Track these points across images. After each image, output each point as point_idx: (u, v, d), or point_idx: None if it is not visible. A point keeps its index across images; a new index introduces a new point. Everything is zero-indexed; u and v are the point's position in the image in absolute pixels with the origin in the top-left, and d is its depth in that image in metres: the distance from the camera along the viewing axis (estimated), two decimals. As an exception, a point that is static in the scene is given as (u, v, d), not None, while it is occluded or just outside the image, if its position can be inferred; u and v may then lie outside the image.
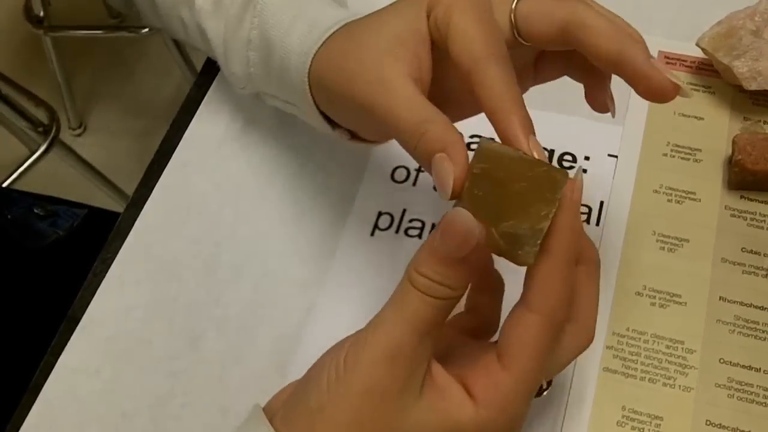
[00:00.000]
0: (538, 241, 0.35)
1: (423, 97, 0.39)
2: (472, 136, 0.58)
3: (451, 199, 0.36)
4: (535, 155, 0.36)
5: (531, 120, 0.37)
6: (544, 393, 0.41)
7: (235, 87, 0.57)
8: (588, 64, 0.41)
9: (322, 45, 0.45)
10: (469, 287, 0.38)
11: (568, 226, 0.35)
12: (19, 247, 0.77)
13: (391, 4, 0.43)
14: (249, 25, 0.50)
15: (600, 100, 0.44)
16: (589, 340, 0.39)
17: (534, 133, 0.37)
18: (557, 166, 0.36)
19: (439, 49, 0.41)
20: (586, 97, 0.45)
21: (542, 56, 0.46)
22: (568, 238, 0.36)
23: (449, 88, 0.43)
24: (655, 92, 0.38)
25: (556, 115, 0.58)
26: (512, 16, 0.41)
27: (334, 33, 0.45)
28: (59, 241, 0.79)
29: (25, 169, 1.26)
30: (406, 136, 0.38)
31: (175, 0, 0.56)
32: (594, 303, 0.39)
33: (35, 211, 0.79)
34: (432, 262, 0.35)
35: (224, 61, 0.54)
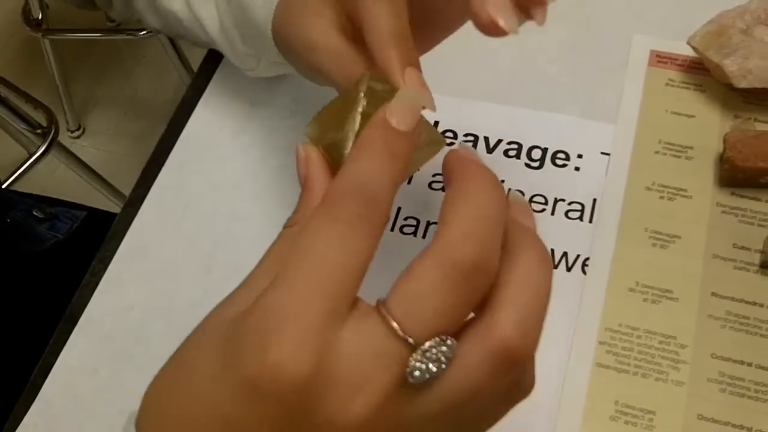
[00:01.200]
0: (349, 145, 0.34)
1: (346, 49, 0.39)
2: (466, 135, 0.58)
3: None
4: (407, 83, 0.34)
5: (413, 53, 0.35)
6: (425, 368, 0.27)
7: (245, 71, 0.57)
8: None
9: (274, 12, 0.45)
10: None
11: (372, 125, 0.31)
12: (18, 250, 0.77)
13: None
14: (235, 4, 0.51)
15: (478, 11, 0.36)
16: (456, 254, 0.28)
17: (415, 66, 0.35)
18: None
19: None
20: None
21: None
22: (371, 133, 0.31)
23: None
24: (482, 27, 0.35)
25: (549, 114, 0.59)
26: None
27: None
28: (58, 243, 0.80)
29: (24, 171, 1.26)
30: (339, 85, 0.39)
31: None
32: (462, 215, 0.29)
33: (34, 213, 0.79)
34: None
35: (228, 46, 0.55)
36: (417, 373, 0.27)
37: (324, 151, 0.35)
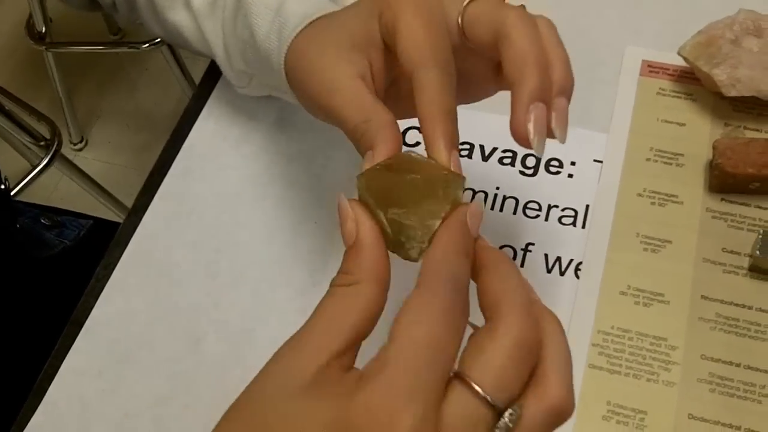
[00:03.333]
0: (427, 239, 0.35)
1: (369, 96, 0.40)
2: (462, 143, 0.60)
3: None
4: (451, 168, 0.37)
5: (456, 135, 0.38)
6: (508, 425, 0.31)
7: (237, 87, 0.59)
8: None
9: (289, 45, 0.46)
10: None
11: (459, 227, 0.35)
12: (27, 255, 0.79)
13: (353, 3, 0.44)
14: (241, 26, 0.52)
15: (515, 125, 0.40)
16: (524, 332, 0.33)
17: (457, 149, 0.38)
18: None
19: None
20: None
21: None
22: (457, 236, 0.35)
23: (407, 88, 0.44)
24: (513, 135, 0.39)
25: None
26: (460, 18, 0.41)
27: (301, 31, 0.46)
28: (66, 250, 0.81)
29: (27, 183, 1.27)
30: (351, 135, 0.40)
31: (172, 1, 0.58)
32: (512, 296, 0.34)
33: (42, 221, 0.81)
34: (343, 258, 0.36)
35: (226, 61, 0.56)
36: (501, 429, 0.31)
37: (380, 216, 0.35)
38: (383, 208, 0.35)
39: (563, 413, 0.33)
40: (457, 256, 0.35)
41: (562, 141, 0.40)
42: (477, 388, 0.31)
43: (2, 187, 0.79)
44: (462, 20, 0.41)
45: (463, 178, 0.37)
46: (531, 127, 0.38)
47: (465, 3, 0.41)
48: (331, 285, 0.35)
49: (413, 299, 0.33)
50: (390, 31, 0.40)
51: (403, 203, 0.35)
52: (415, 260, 0.36)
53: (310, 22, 0.46)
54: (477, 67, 0.43)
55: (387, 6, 0.41)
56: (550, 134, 0.40)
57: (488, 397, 0.31)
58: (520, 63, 0.39)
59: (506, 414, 0.31)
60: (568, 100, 0.41)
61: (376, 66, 0.42)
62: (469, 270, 0.35)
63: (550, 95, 0.40)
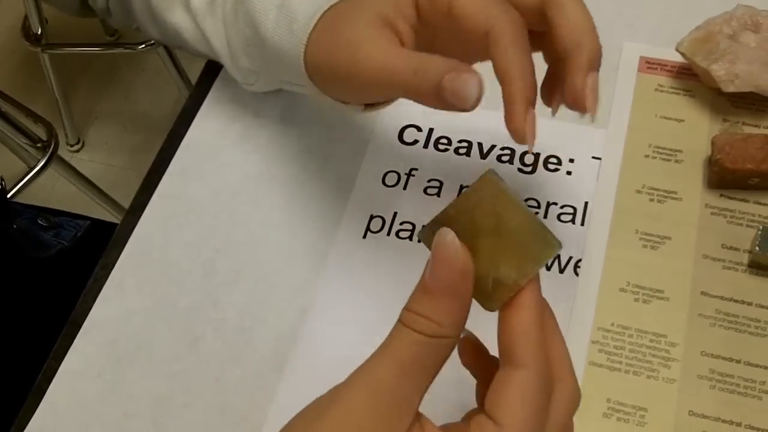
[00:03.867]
0: (511, 294, 0.35)
1: (412, 51, 0.41)
2: (460, 141, 0.59)
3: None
4: (528, 130, 0.39)
5: (534, 90, 0.40)
6: None
7: (244, 85, 0.58)
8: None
9: (309, 36, 0.46)
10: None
11: (538, 283, 0.36)
12: (25, 256, 0.78)
13: None
14: (243, 22, 0.52)
15: (573, 92, 0.42)
16: (578, 398, 0.37)
17: (533, 106, 0.39)
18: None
19: (425, 20, 0.43)
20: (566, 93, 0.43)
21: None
22: (539, 296, 0.35)
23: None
24: (571, 101, 0.42)
25: (541, 119, 0.60)
26: None
27: (317, 23, 0.46)
28: (63, 250, 0.81)
29: (24, 185, 1.27)
30: (408, 79, 0.40)
31: (170, 2, 0.58)
32: (568, 360, 0.38)
33: (39, 222, 0.80)
34: (420, 296, 0.34)
35: (229, 59, 0.56)
36: None
37: (486, 271, 0.35)
38: (493, 264, 0.34)
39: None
40: (543, 333, 0.35)
41: (595, 114, 0.42)
42: None
43: None
44: None
45: (560, 244, 0.36)
46: (591, 94, 0.41)
47: None
48: (414, 328, 0.33)
49: (516, 380, 0.34)
50: (436, 1, 0.41)
51: (506, 260, 0.34)
52: (493, 311, 0.35)
53: (323, 13, 0.46)
54: (454, 46, 0.43)
55: None
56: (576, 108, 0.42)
57: None
58: (579, 31, 0.41)
59: None
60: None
61: (406, 37, 0.43)
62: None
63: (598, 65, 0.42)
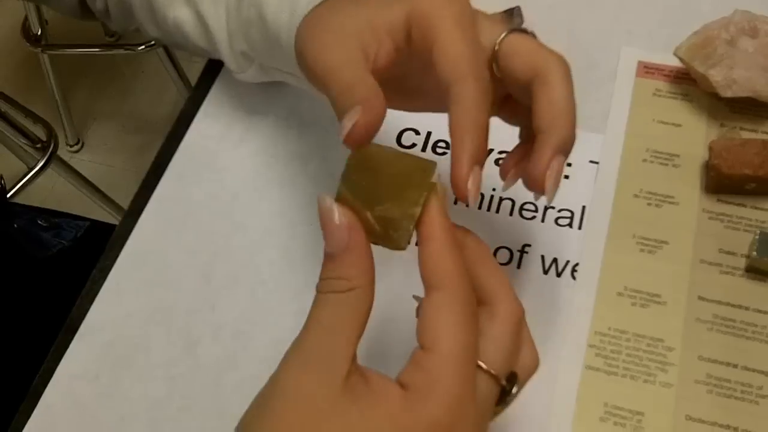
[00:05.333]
0: (411, 226, 0.37)
1: (364, 69, 0.40)
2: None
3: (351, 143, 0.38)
4: (469, 187, 0.38)
5: (484, 151, 0.39)
6: (513, 393, 0.38)
7: (235, 74, 0.58)
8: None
9: (302, 19, 0.46)
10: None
11: (440, 210, 0.37)
12: (25, 255, 0.78)
13: None
14: (247, 5, 0.52)
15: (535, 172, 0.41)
16: (519, 313, 0.39)
17: (480, 165, 0.38)
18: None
19: (408, 50, 0.42)
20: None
21: (508, 100, 0.46)
22: (442, 221, 0.37)
23: (410, 84, 0.45)
24: (531, 180, 0.41)
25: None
26: (497, 47, 0.42)
27: (315, 7, 0.45)
28: (63, 251, 0.81)
29: (23, 185, 1.27)
30: (335, 98, 0.40)
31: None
32: (504, 280, 0.39)
33: (39, 222, 0.80)
34: (326, 264, 0.36)
35: (226, 42, 0.56)
36: (509, 398, 0.38)
37: (366, 215, 0.37)
38: (369, 207, 0.37)
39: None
40: (454, 249, 0.37)
41: (550, 202, 0.41)
42: (492, 371, 0.36)
43: None
44: (499, 48, 0.42)
45: (434, 163, 0.38)
46: (551, 178, 0.40)
47: (505, 32, 0.42)
48: (327, 291, 0.36)
49: (440, 304, 0.36)
50: (424, 38, 0.40)
51: (385, 198, 0.37)
52: (403, 249, 0.37)
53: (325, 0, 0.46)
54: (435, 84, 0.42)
55: (422, 13, 0.40)
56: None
57: (500, 377, 0.37)
58: (557, 113, 0.40)
59: (513, 388, 0.37)
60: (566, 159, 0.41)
61: (383, 55, 0.42)
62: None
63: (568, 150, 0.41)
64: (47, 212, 0.86)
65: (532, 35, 0.43)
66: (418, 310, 0.39)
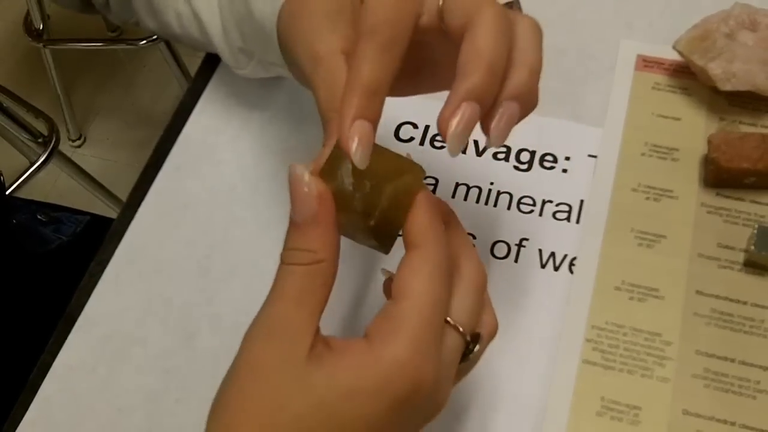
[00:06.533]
0: (404, 214, 0.37)
1: (342, 71, 0.39)
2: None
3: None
4: (354, 140, 0.36)
5: (376, 109, 0.37)
6: (475, 352, 0.39)
7: (236, 69, 0.58)
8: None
9: (281, 9, 0.45)
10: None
11: (430, 195, 0.38)
12: (24, 251, 0.78)
13: None
14: (238, 1, 0.52)
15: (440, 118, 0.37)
16: (483, 275, 0.39)
17: (366, 120, 0.36)
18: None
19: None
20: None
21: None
22: (429, 202, 0.38)
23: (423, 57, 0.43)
24: (437, 125, 0.37)
25: (538, 117, 0.59)
26: (441, 1, 0.38)
27: None
28: (62, 246, 0.81)
29: (25, 180, 1.27)
30: (321, 115, 0.40)
31: None
32: (469, 243, 0.40)
33: (39, 217, 0.80)
34: (291, 233, 0.36)
35: (224, 40, 0.56)
36: (471, 355, 0.38)
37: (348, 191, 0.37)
38: (357, 187, 0.37)
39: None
40: (438, 219, 0.38)
41: (496, 145, 0.38)
42: (460, 328, 0.37)
43: None
44: (442, 3, 0.39)
45: (422, 169, 0.39)
46: (453, 123, 0.36)
47: None
48: (291, 263, 0.36)
49: (415, 259, 0.36)
50: None
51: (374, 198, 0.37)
52: (371, 226, 0.38)
53: None
54: (449, 54, 0.40)
55: None
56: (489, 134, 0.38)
57: (466, 333, 0.37)
58: (470, 58, 0.36)
59: (476, 347, 0.38)
60: (523, 109, 0.38)
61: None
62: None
63: (491, 98, 0.37)
64: (47, 206, 0.86)
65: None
66: (385, 284, 0.40)
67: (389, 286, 0.37)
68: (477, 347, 0.39)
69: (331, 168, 0.37)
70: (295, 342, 0.34)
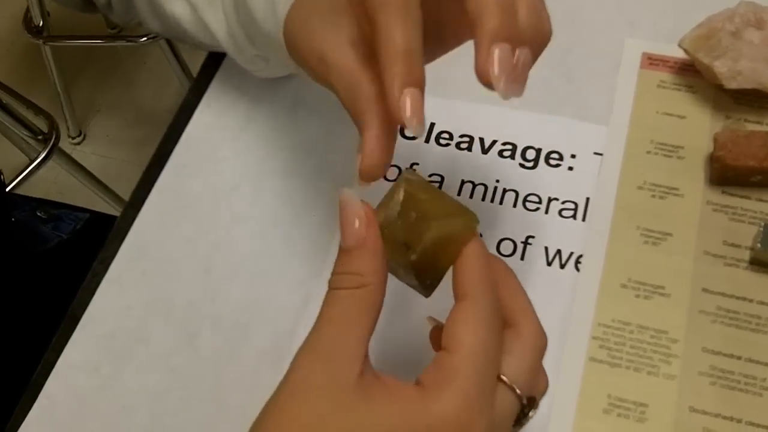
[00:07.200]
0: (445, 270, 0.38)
1: (358, 68, 0.38)
2: (461, 136, 0.59)
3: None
4: (402, 108, 0.35)
5: (420, 72, 0.36)
6: (530, 416, 0.38)
7: (254, 72, 0.58)
8: None
9: (285, 20, 0.45)
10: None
11: (478, 246, 0.38)
12: (23, 249, 0.78)
13: None
14: (243, 12, 0.51)
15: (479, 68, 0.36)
16: (544, 340, 0.39)
17: (417, 87, 0.35)
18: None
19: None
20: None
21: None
22: (476, 243, 0.38)
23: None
24: (478, 77, 0.36)
25: (543, 116, 0.60)
26: None
27: (293, 4, 0.44)
28: (62, 244, 0.81)
29: (25, 177, 1.27)
30: (347, 107, 0.39)
31: None
32: (530, 306, 0.40)
33: (38, 214, 0.80)
34: (340, 258, 0.36)
35: (235, 48, 0.56)
36: (525, 420, 0.38)
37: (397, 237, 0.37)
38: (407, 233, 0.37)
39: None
40: (490, 271, 0.37)
41: (518, 95, 0.37)
42: (517, 390, 0.36)
43: None
44: None
45: (475, 216, 0.39)
46: (495, 68, 0.35)
47: None
48: (339, 287, 0.35)
49: (465, 310, 0.36)
50: None
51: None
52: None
53: None
54: (452, 11, 0.40)
55: None
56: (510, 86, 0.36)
57: (522, 395, 0.37)
58: (479, 4, 0.35)
59: (531, 411, 0.38)
60: (534, 53, 0.38)
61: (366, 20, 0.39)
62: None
63: (515, 35, 0.36)
64: (47, 203, 0.86)
65: None
66: (432, 333, 0.40)
67: (436, 335, 0.37)
68: (533, 412, 0.38)
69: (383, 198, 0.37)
70: (344, 365, 0.34)
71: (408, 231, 0.37)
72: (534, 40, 0.38)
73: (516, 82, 0.36)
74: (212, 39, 0.57)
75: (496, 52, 0.35)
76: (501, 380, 0.36)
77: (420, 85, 0.35)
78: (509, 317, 0.38)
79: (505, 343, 0.37)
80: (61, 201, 0.91)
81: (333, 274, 0.36)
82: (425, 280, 0.38)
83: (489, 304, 0.36)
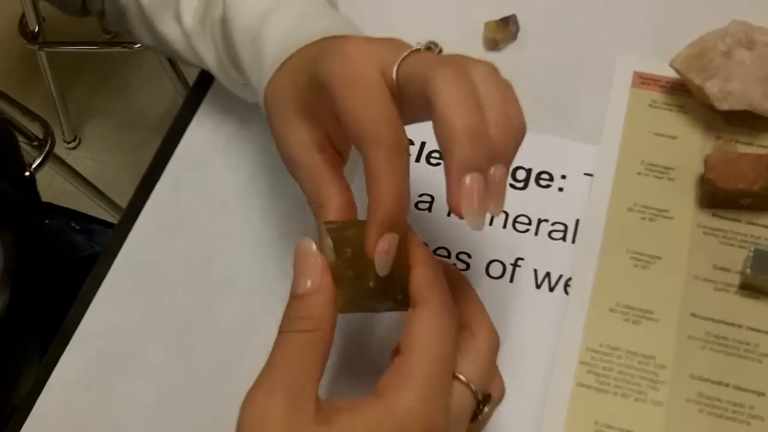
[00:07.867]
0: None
1: (320, 168, 0.44)
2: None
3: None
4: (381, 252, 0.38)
5: (403, 216, 0.38)
6: (483, 411, 0.40)
7: (243, 98, 0.59)
8: None
9: (266, 87, 0.47)
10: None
11: (420, 243, 0.41)
12: (56, 252, 0.78)
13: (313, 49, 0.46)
14: (232, 51, 0.52)
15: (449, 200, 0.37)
16: (496, 340, 0.41)
17: (395, 231, 0.38)
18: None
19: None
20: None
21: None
22: (423, 251, 0.41)
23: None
24: (449, 203, 0.37)
25: (534, 135, 0.58)
26: (394, 74, 0.39)
27: (274, 73, 0.47)
28: (94, 255, 0.80)
29: (20, 183, 1.27)
30: (308, 199, 0.45)
31: (163, 14, 0.58)
32: (483, 308, 0.43)
33: (72, 224, 0.80)
34: (292, 303, 0.38)
35: (225, 77, 0.56)
36: (480, 416, 0.40)
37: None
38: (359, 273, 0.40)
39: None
40: (439, 274, 0.40)
41: (496, 214, 0.38)
42: (472, 386, 0.39)
43: (27, 174, 0.78)
44: (397, 76, 0.39)
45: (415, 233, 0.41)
46: (462, 204, 0.36)
47: (402, 57, 0.39)
48: (292, 330, 0.38)
49: (419, 315, 0.38)
50: (332, 104, 0.39)
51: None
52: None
53: (282, 63, 0.46)
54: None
55: (322, 79, 0.40)
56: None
57: (477, 392, 0.39)
58: (446, 132, 0.36)
59: (486, 407, 0.40)
60: (507, 166, 0.38)
61: (329, 120, 0.43)
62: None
63: (485, 161, 0.36)
64: (81, 216, 0.86)
65: (438, 51, 0.40)
66: (393, 351, 0.40)
67: (397, 351, 0.38)
68: (487, 408, 0.40)
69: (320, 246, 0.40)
70: (300, 404, 0.35)
71: (352, 265, 0.39)
72: (506, 149, 0.38)
73: (493, 200, 0.37)
74: (202, 63, 0.57)
75: (465, 187, 0.36)
76: (457, 378, 0.38)
77: (399, 230, 0.38)
78: (463, 320, 0.41)
79: (459, 343, 0.39)
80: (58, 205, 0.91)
81: (285, 319, 0.38)
82: (396, 296, 0.40)
83: (440, 306, 0.38)
